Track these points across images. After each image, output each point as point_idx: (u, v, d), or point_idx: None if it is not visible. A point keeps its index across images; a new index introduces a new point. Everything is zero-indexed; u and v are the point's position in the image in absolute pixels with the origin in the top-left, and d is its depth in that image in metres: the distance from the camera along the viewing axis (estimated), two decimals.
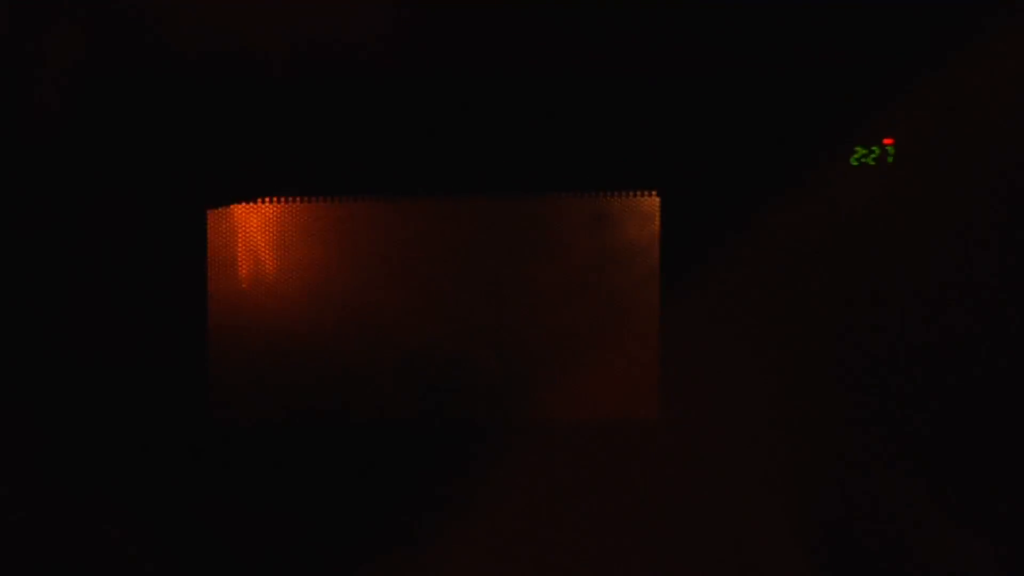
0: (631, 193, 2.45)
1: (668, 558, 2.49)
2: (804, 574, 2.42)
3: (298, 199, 2.50)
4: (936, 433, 2.53)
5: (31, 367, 2.48)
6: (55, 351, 2.50)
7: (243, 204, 2.51)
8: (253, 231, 2.57)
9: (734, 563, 2.46)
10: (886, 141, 2.38)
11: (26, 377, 2.49)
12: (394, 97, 2.55)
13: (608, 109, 2.47)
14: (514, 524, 2.48)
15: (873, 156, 2.39)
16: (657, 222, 2.45)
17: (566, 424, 2.51)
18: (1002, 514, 2.52)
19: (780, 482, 2.49)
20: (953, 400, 2.50)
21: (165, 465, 2.52)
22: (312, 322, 2.55)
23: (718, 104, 2.46)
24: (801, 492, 2.48)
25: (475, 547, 2.49)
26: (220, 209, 2.50)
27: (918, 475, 2.54)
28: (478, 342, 2.58)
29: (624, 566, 2.49)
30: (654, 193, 2.44)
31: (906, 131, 2.43)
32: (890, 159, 2.39)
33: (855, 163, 2.39)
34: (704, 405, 2.50)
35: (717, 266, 2.46)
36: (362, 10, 2.55)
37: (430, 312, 2.56)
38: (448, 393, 2.58)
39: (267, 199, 2.50)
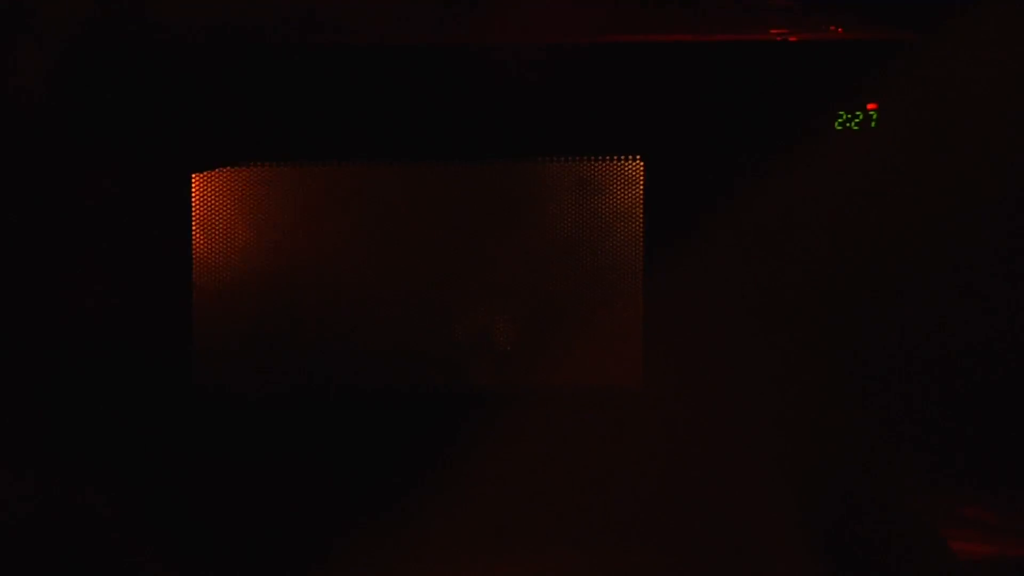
0: (615, 158, 2.45)
1: (652, 518, 2.43)
2: (783, 538, 2.37)
3: (281, 164, 2.49)
4: (920, 411, 2.48)
5: (13, 336, 2.45)
6: (39, 319, 2.46)
7: (229, 169, 2.50)
8: (237, 198, 2.52)
9: (715, 520, 2.40)
10: (870, 106, 2.39)
11: (9, 346, 2.46)
12: (374, 64, 2.51)
13: (591, 74, 2.46)
14: (510, 488, 2.42)
15: (856, 121, 2.41)
16: (641, 186, 2.46)
17: (559, 391, 2.49)
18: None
19: (765, 449, 2.45)
20: (942, 375, 2.46)
21: (149, 435, 2.48)
22: (295, 293, 2.50)
23: (702, 68, 2.45)
24: (785, 460, 2.45)
25: (468, 515, 2.44)
26: (206, 174, 2.48)
27: (906, 452, 2.49)
28: (465, 310, 2.54)
29: (609, 524, 2.42)
30: (638, 158, 2.45)
31: (890, 98, 2.43)
32: (873, 124, 2.40)
33: (839, 127, 2.39)
34: (688, 375, 2.48)
35: (702, 233, 2.46)
36: None
37: (415, 281, 2.53)
38: (435, 363, 2.54)
39: (251, 163, 2.48)
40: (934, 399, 2.48)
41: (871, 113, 2.39)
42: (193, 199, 2.45)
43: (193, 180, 2.43)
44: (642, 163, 2.44)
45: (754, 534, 2.39)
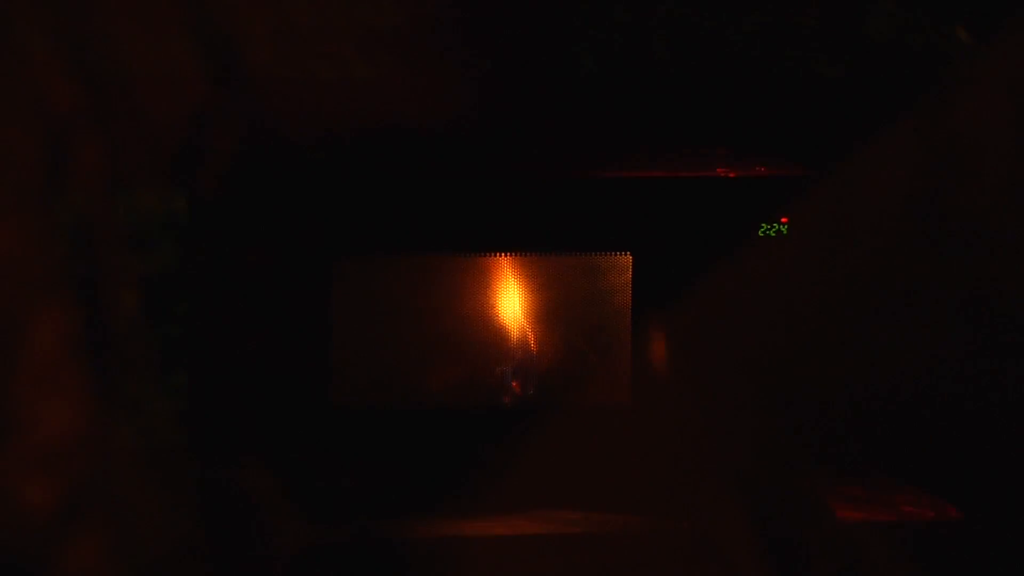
0: (612, 253, 2.70)
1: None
2: (752, 540, 2.48)
3: (400, 256, 2.66)
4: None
5: (215, 364, 2.59)
6: (231, 354, 2.60)
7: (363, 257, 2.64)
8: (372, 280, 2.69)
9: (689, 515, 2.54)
10: (783, 220, 2.66)
11: (212, 372, 2.58)
12: (459, 190, 2.63)
13: (597, 196, 2.67)
14: (538, 464, 2.59)
15: (774, 230, 2.66)
16: (630, 273, 2.69)
17: (572, 407, 2.70)
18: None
19: (717, 453, 2.56)
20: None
21: (297, 435, 2.63)
22: (404, 340, 2.70)
23: (673, 195, 2.67)
24: (734, 461, 2.56)
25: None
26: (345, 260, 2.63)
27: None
28: (512, 353, 2.72)
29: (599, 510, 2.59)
30: (628, 253, 2.69)
31: (797, 213, 2.64)
32: (785, 231, 2.64)
33: (761, 234, 2.66)
34: (660, 397, 2.63)
35: (673, 306, 2.66)
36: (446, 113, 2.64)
37: (482, 334, 2.72)
38: (492, 388, 2.71)
39: (376, 256, 2.66)
40: (830, 423, 2.60)
41: (784, 225, 2.65)
42: (334, 281, 2.64)
43: (333, 266, 2.62)
44: (631, 257, 2.70)
45: (704, 509, 2.54)
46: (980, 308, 2.45)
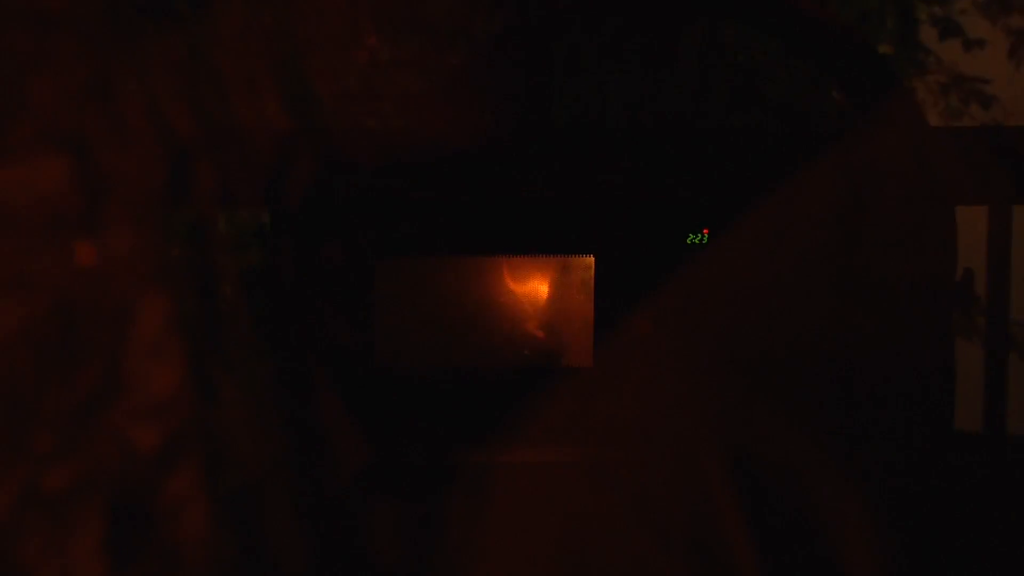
0: (580, 256, 2.70)
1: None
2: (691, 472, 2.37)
3: (434, 256, 2.64)
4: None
5: (287, 344, 2.49)
6: (295, 336, 2.50)
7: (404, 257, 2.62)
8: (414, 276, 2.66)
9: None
10: (704, 231, 2.62)
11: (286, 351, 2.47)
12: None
13: (570, 213, 2.67)
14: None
15: (698, 238, 2.62)
16: (593, 270, 2.69)
17: (553, 367, 2.67)
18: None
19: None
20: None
21: (346, 393, 2.50)
22: (439, 316, 2.67)
23: (627, 210, 2.66)
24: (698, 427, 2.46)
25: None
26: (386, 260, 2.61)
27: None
28: (515, 328, 2.68)
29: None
30: (591, 256, 2.69)
31: (715, 225, 2.60)
32: (705, 240, 2.60)
33: (689, 242, 2.63)
34: (618, 360, 2.59)
35: (624, 294, 2.59)
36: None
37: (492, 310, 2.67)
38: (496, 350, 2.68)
39: (415, 256, 2.64)
40: (740, 378, 2.47)
41: (705, 235, 2.57)
42: (377, 276, 2.57)
43: (376, 265, 2.55)
44: (593, 258, 2.70)
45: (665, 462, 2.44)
46: (860, 291, 2.40)
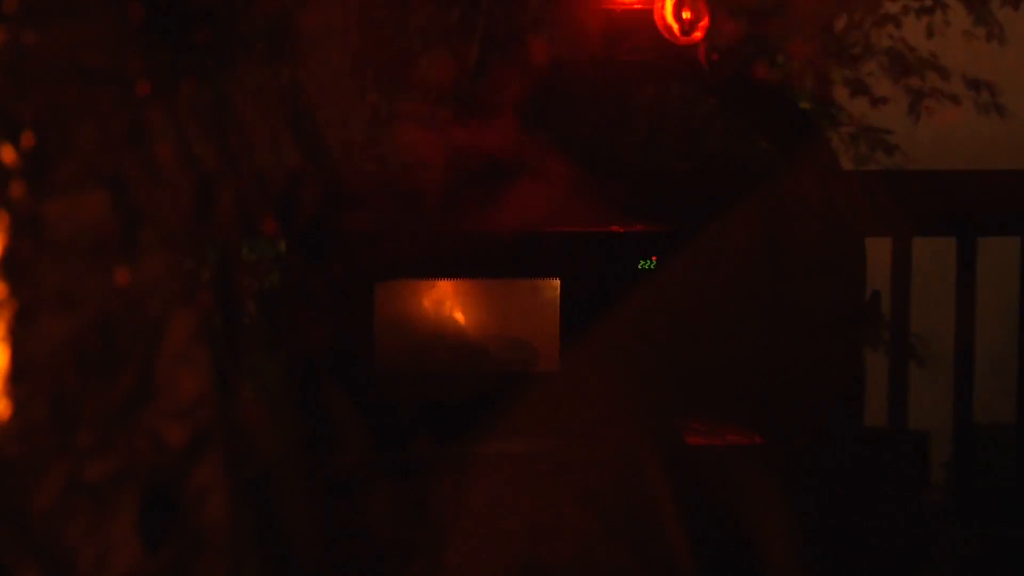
0: (548, 278, 2.63)
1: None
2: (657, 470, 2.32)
3: (420, 279, 2.60)
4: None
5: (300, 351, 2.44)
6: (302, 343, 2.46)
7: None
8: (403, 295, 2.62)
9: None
10: (653, 258, 2.57)
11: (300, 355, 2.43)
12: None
13: (540, 243, 2.62)
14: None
15: (648, 264, 2.56)
16: (559, 290, 2.61)
17: (525, 372, 2.59)
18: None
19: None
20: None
21: (352, 396, 2.47)
22: (427, 338, 2.62)
23: (587, 241, 2.62)
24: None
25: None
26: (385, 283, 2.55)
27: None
28: (491, 338, 2.64)
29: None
30: (558, 279, 2.62)
31: (660, 253, 2.55)
32: (653, 266, 2.55)
33: (640, 268, 2.56)
34: (580, 366, 2.52)
35: (584, 310, 2.58)
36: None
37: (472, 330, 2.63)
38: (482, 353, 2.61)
39: (405, 279, 2.58)
40: (687, 383, 2.51)
41: (653, 261, 2.56)
42: (376, 295, 2.56)
43: (376, 285, 2.54)
44: (559, 280, 2.62)
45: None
46: (784, 309, 2.42)
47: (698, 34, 2.38)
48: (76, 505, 1.02)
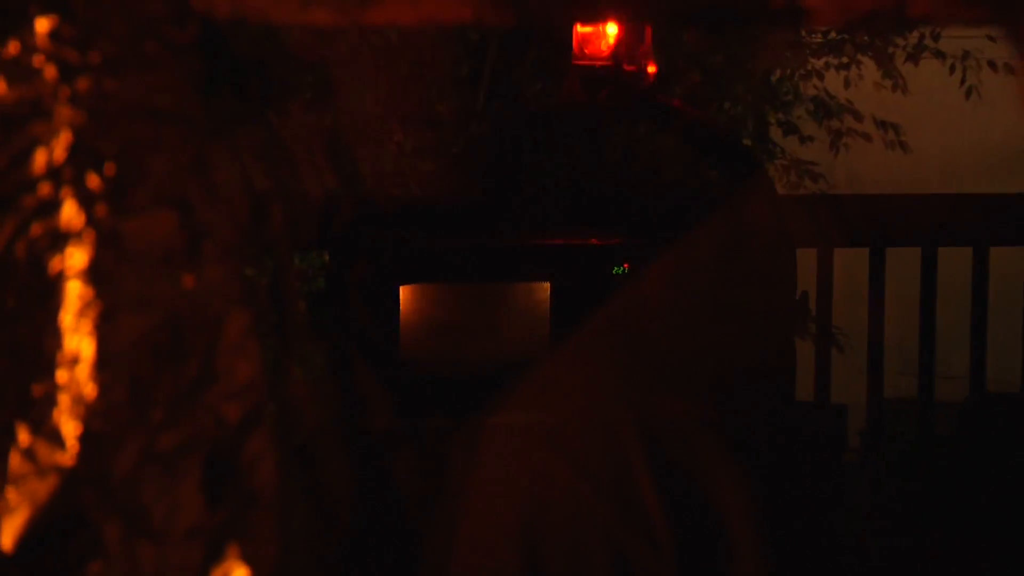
0: (540, 282, 2.54)
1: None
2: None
3: (438, 283, 2.51)
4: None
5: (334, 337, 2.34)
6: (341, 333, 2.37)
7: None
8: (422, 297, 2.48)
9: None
10: (625, 265, 2.48)
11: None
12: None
13: (534, 253, 2.56)
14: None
15: (621, 270, 2.47)
16: (549, 292, 2.53)
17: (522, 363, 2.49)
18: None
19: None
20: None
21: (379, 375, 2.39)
22: (445, 328, 2.52)
23: (572, 251, 2.54)
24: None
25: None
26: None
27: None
28: (492, 335, 2.54)
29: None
30: (548, 283, 2.53)
31: (631, 262, 2.46)
32: (625, 271, 2.45)
33: (614, 273, 2.48)
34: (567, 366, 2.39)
35: (570, 308, 2.48)
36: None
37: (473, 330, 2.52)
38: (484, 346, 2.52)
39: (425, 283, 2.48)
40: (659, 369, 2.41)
41: (626, 268, 2.46)
42: (400, 296, 2.45)
43: (399, 288, 2.44)
44: (549, 284, 2.54)
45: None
46: (734, 307, 2.34)
47: (647, 80, 2.35)
48: (150, 471, 1.00)
